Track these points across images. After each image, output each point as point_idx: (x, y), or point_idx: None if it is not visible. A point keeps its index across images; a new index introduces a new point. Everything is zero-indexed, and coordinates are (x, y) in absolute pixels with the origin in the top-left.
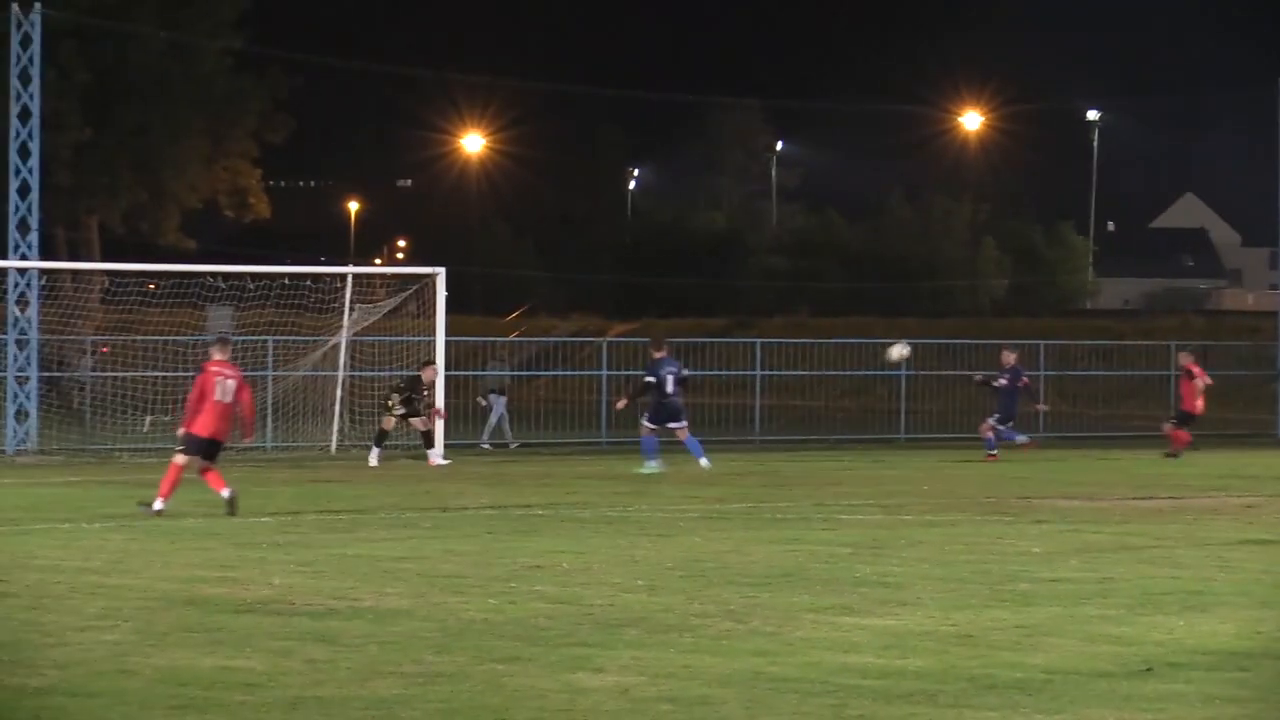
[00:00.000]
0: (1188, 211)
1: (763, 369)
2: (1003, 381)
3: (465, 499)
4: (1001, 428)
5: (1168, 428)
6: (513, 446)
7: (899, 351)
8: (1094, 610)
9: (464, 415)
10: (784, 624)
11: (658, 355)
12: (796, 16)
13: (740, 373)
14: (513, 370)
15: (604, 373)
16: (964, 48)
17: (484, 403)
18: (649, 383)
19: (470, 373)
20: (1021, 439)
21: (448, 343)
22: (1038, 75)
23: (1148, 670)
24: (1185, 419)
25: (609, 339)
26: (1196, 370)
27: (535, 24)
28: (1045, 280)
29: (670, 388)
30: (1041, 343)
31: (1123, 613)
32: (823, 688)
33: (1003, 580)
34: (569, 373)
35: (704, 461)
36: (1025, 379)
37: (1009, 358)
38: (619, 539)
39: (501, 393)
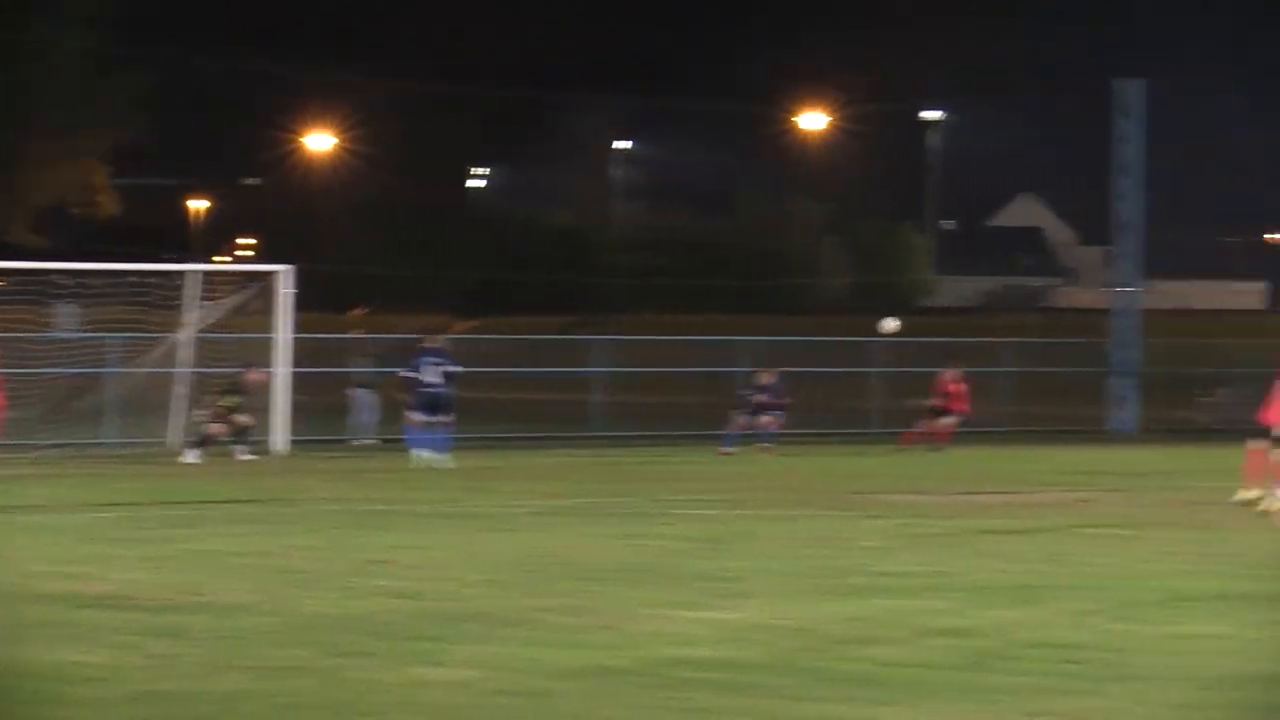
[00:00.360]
0: (1025, 211)
1: (607, 365)
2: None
3: (308, 494)
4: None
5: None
6: (360, 444)
7: (891, 324)
8: (927, 604)
9: (314, 412)
10: (622, 618)
11: (425, 347)
12: (645, 15)
13: (585, 370)
14: (379, 367)
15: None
16: (810, 47)
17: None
18: (409, 376)
19: (319, 370)
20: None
21: (295, 340)
22: (881, 76)
23: (977, 663)
24: (940, 415)
25: (451, 336)
26: (954, 389)
27: (385, 22)
28: (886, 278)
29: (432, 378)
30: (878, 340)
31: (955, 605)
32: (661, 680)
33: (838, 574)
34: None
35: (425, 454)
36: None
37: (766, 377)
38: (459, 534)
39: (368, 388)
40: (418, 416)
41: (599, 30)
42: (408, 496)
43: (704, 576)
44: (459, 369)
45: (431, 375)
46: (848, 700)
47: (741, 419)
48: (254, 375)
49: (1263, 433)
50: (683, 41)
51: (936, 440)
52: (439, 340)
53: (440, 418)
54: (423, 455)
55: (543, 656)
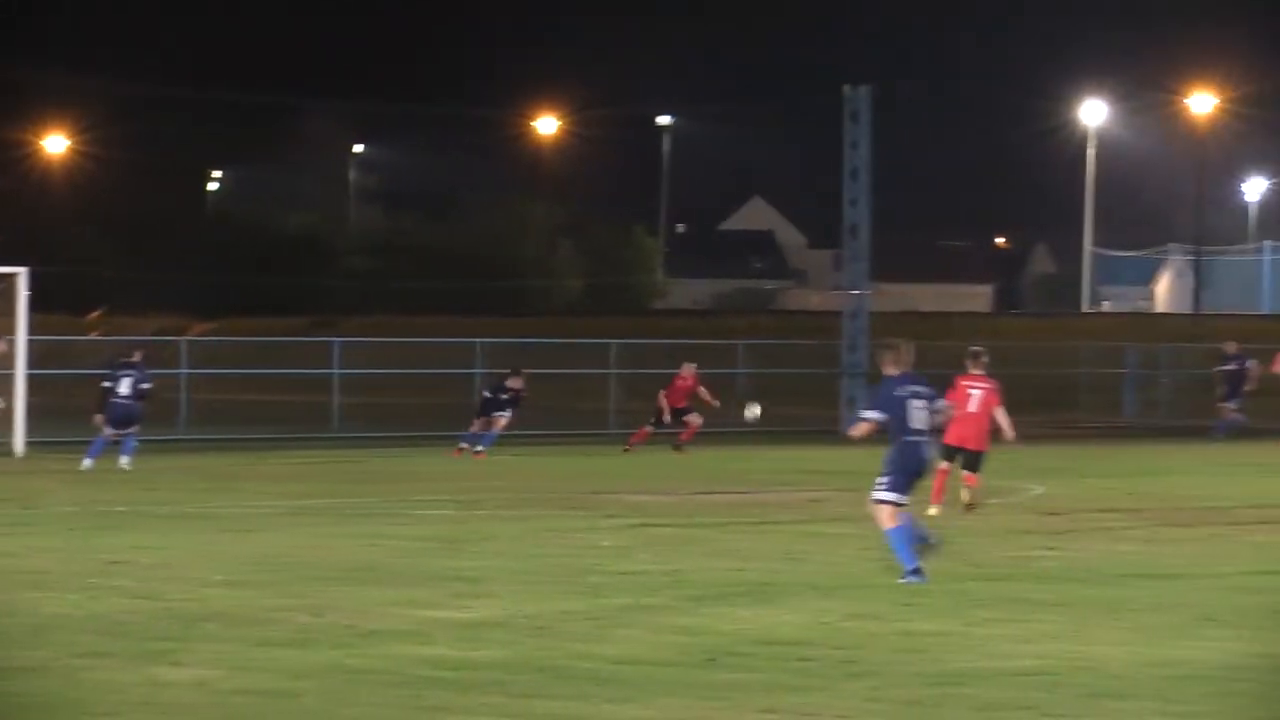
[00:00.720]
0: (756, 215)
1: (341, 367)
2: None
3: (47, 496)
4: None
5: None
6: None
7: (751, 412)
8: (662, 601)
9: (48, 414)
10: (361, 617)
11: (123, 360)
12: (377, 19)
13: (320, 371)
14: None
15: (184, 371)
16: (542, 53)
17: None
18: (106, 387)
19: (56, 371)
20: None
21: (30, 341)
22: (613, 81)
23: (711, 660)
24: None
25: (188, 338)
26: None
27: (121, 25)
28: (619, 281)
29: (125, 390)
30: (614, 341)
31: (690, 604)
32: (400, 679)
33: (575, 573)
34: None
35: (87, 463)
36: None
37: (514, 381)
38: (199, 535)
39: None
40: (108, 429)
41: (339, 35)
42: (148, 498)
43: (442, 576)
44: (150, 386)
45: (125, 388)
46: (583, 698)
47: (478, 421)
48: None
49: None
50: (421, 47)
51: (681, 440)
52: (136, 355)
53: (128, 430)
54: (90, 464)
55: (282, 656)
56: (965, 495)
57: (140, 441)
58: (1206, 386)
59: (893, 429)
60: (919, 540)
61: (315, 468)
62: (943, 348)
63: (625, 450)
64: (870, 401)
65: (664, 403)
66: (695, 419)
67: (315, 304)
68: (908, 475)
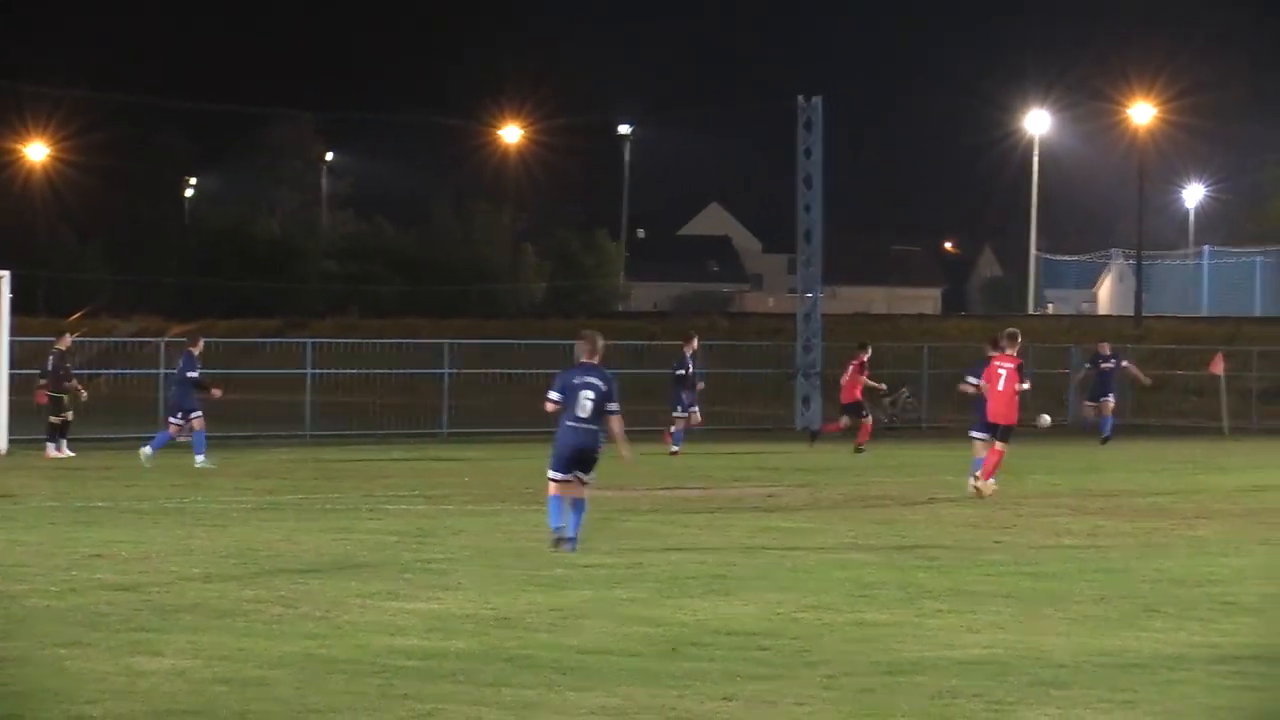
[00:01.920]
0: (713, 220)
1: (314, 368)
2: None
3: (28, 491)
4: None
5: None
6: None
7: (1042, 422)
8: (625, 594)
9: (28, 412)
10: (333, 609)
11: (188, 350)
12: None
13: (293, 371)
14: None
15: (161, 371)
16: (508, 62)
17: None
18: (191, 378)
19: (34, 371)
20: None
21: (13, 343)
22: (579, 91)
23: (673, 650)
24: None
25: (167, 339)
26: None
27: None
28: (581, 284)
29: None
30: (578, 342)
31: (651, 596)
32: (371, 668)
33: (539, 566)
34: (129, 371)
35: (200, 460)
36: None
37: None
38: (176, 529)
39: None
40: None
41: (313, 46)
42: (127, 494)
43: (411, 568)
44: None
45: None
46: (548, 686)
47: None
48: None
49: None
50: (391, 58)
51: (859, 441)
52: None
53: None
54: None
55: (257, 646)
56: (980, 481)
57: (124, 439)
58: (1146, 387)
59: (564, 412)
60: (561, 527)
61: (288, 465)
62: (892, 348)
63: (857, 450)
64: (553, 384)
65: (859, 392)
66: (869, 420)
67: (289, 306)
68: (560, 456)
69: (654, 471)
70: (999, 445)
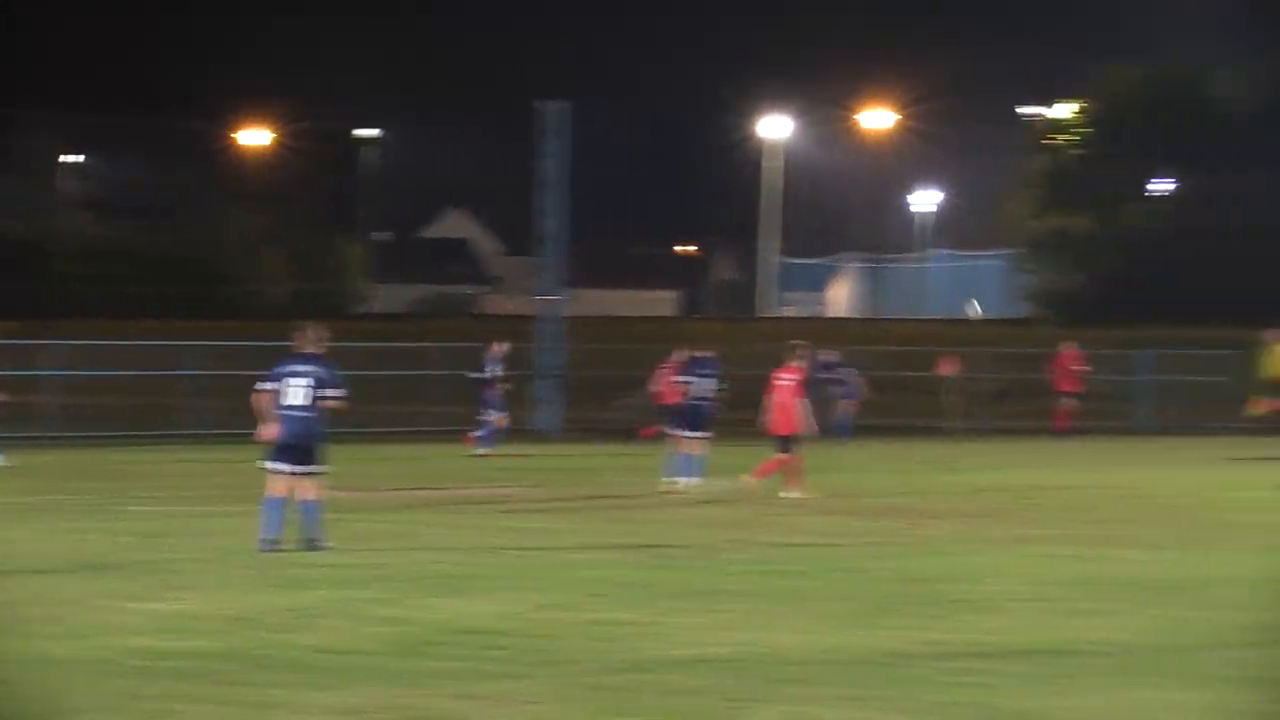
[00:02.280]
0: (455, 224)
1: (57, 369)
2: None
3: None
4: None
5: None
6: None
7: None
8: (364, 594)
9: None
10: (71, 609)
11: None
12: (88, 30)
13: (30, 372)
14: None
15: None
16: (252, 65)
17: None
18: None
19: None
20: None
21: None
22: (319, 94)
23: (412, 649)
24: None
25: None
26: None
27: None
28: (322, 287)
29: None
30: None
31: (391, 596)
32: (110, 669)
33: (280, 566)
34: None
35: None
36: None
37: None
38: None
39: None
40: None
41: (50, 46)
42: None
43: (150, 569)
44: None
45: None
46: (284, 685)
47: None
48: None
49: None
50: (132, 59)
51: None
52: None
53: None
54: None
55: None
56: (749, 479)
57: None
58: (883, 386)
59: (277, 401)
60: (274, 530)
61: (26, 466)
62: (629, 350)
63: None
64: (267, 374)
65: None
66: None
67: (27, 308)
68: (276, 446)
69: (392, 472)
70: (782, 454)
